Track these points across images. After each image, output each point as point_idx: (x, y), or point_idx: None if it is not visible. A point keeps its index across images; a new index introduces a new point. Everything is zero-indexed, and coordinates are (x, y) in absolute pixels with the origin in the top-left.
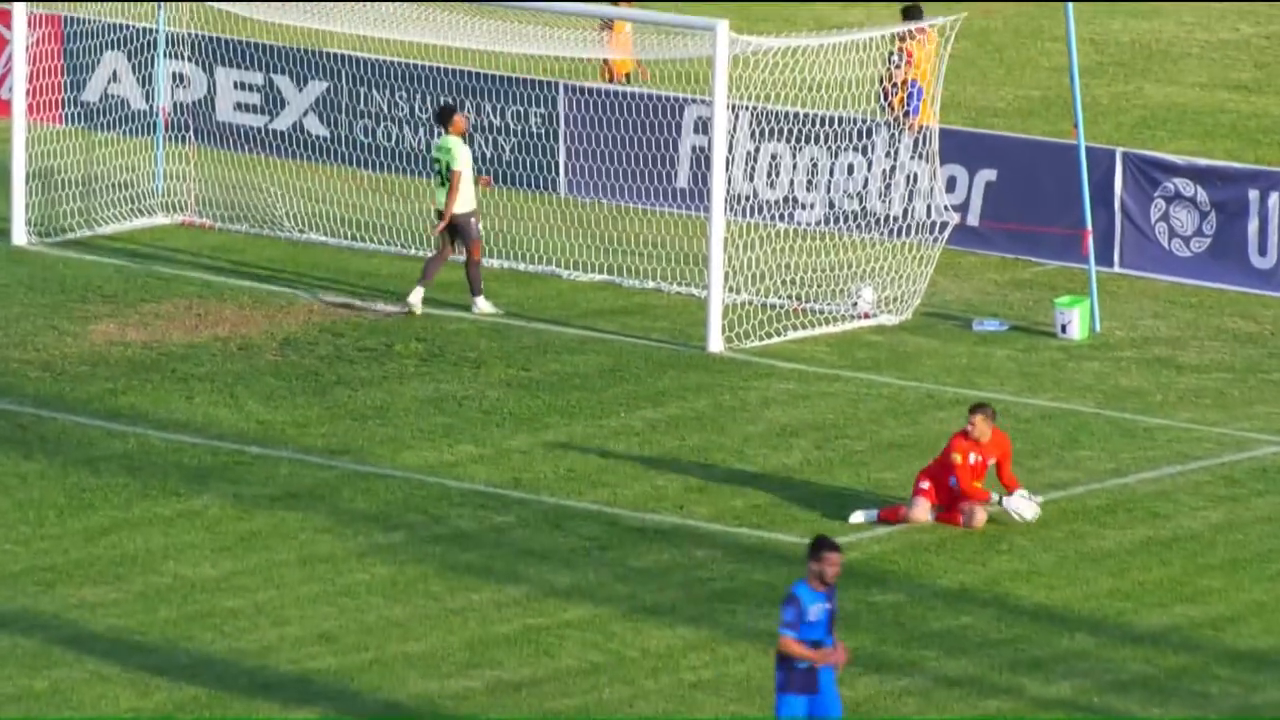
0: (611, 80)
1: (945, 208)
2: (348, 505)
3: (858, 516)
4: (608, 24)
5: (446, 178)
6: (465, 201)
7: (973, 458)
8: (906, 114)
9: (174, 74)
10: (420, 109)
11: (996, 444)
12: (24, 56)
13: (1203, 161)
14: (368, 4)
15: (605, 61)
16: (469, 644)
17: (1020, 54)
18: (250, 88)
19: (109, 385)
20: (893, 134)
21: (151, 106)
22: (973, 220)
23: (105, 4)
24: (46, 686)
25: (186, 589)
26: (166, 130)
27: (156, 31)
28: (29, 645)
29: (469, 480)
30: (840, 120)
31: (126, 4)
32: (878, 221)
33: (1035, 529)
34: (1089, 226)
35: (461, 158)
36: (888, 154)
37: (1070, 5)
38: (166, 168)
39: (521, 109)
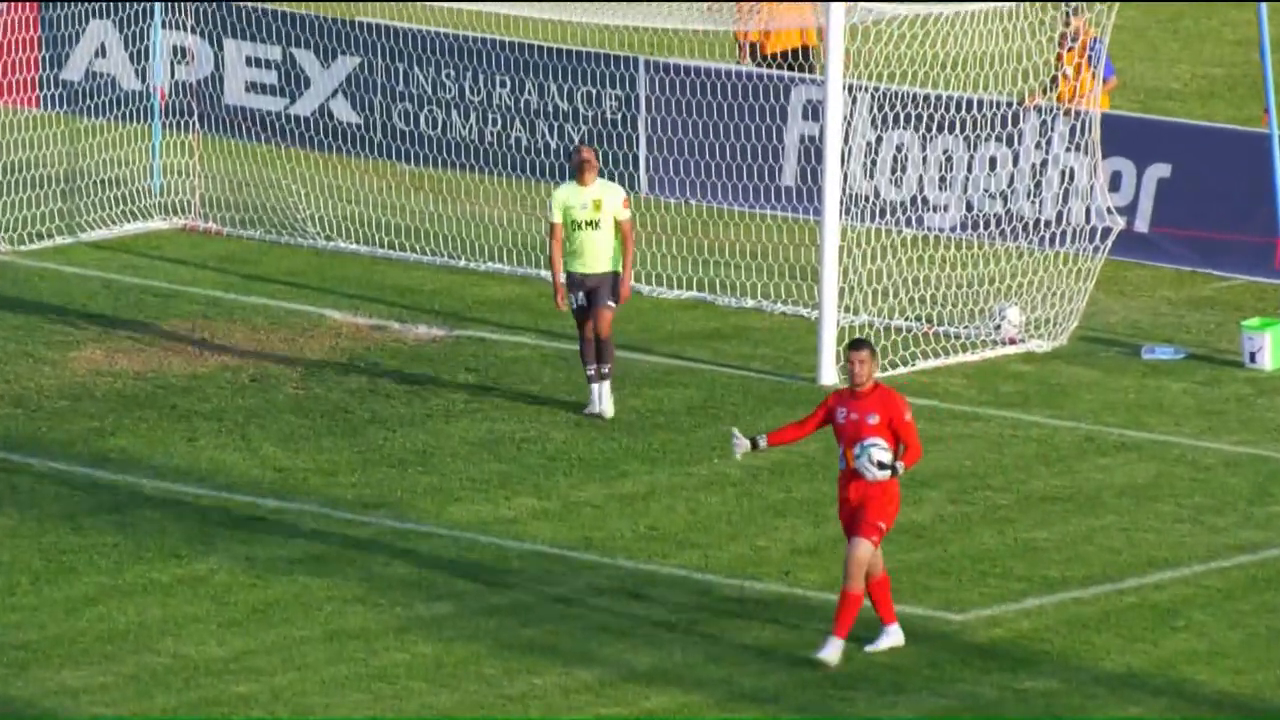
0: (758, 57)
1: (1108, 210)
2: (384, 570)
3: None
4: None
5: (595, 224)
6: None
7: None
8: (1105, 79)
9: (174, 47)
10: (471, 90)
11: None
12: None
13: None
14: None
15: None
16: None
17: (1199, 24)
18: (265, 64)
19: (94, 424)
20: (1045, 120)
21: (147, 87)
22: (1141, 226)
23: None
24: None
25: (189, 671)
26: (164, 116)
27: None
28: None
29: (530, 540)
30: (980, 104)
31: None
32: (1026, 227)
33: (1218, 602)
34: None
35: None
36: (1038, 145)
37: None
38: (165, 161)
39: (593, 90)
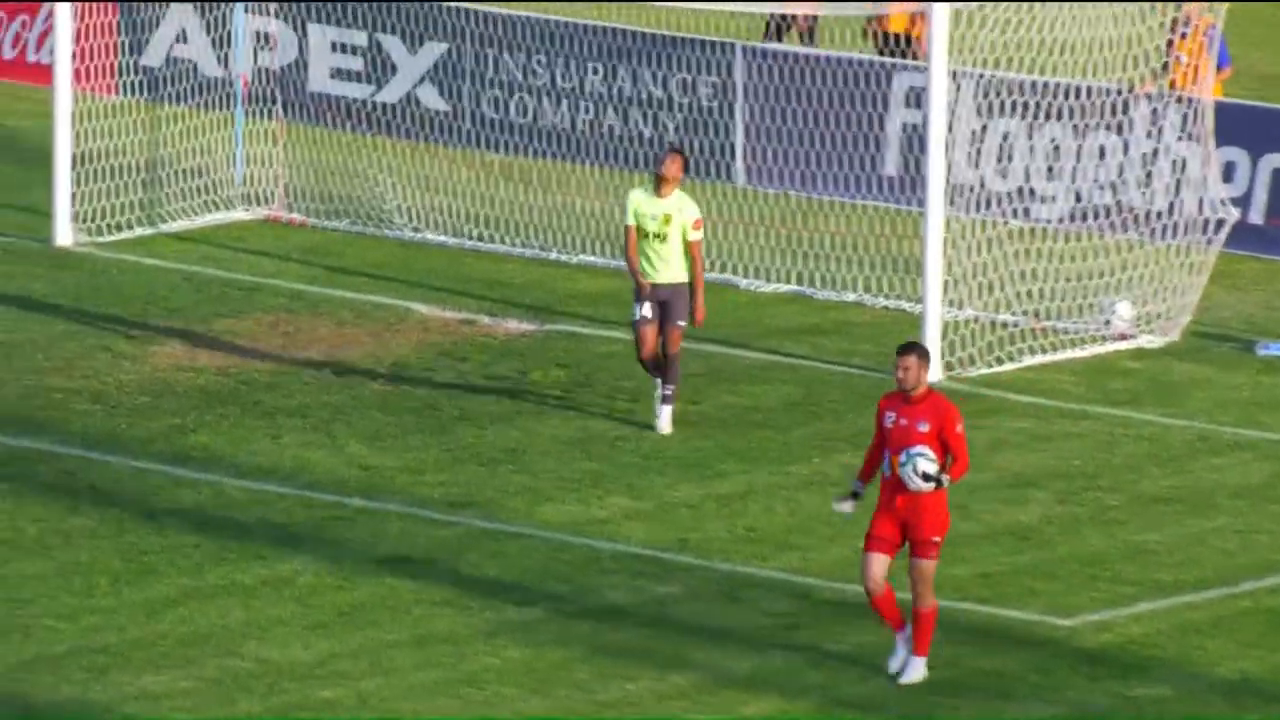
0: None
1: (1221, 202)
2: (473, 572)
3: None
4: None
5: (662, 237)
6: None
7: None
8: (1219, 69)
9: (257, 33)
10: (563, 76)
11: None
12: (69, 11)
13: None
14: None
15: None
16: None
17: None
18: (351, 50)
19: (175, 421)
20: (1156, 109)
21: (229, 74)
22: (1255, 217)
23: None
24: None
25: (273, 676)
26: (247, 103)
27: None
28: None
29: (623, 541)
30: (1089, 91)
31: None
32: (1136, 219)
33: None
34: None
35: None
36: (1149, 134)
37: None
38: (247, 150)
39: (688, 77)
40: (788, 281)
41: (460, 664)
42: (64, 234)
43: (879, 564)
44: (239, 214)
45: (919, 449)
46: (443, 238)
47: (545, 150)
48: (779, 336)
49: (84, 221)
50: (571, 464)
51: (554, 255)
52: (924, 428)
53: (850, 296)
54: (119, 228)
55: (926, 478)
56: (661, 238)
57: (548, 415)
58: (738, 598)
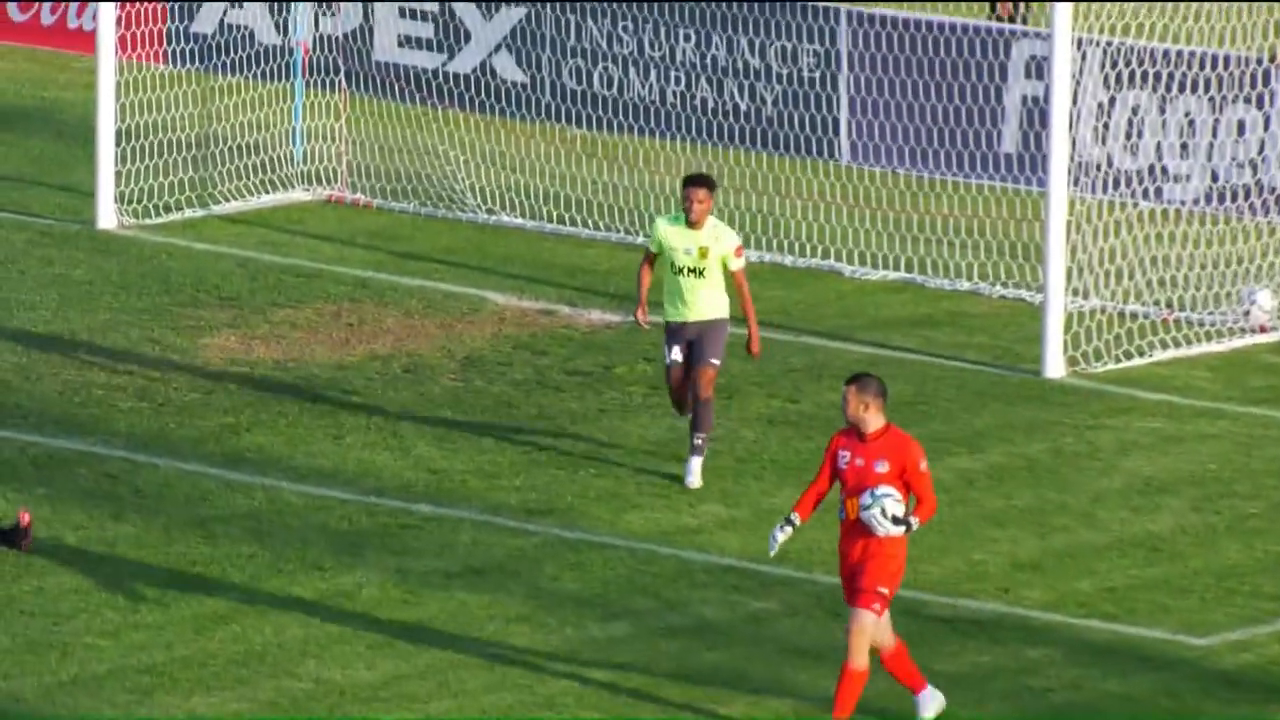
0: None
1: None
2: (551, 585)
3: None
4: None
5: (699, 271)
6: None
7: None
8: None
9: None
10: (651, 44)
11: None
12: None
13: None
14: None
15: None
16: None
17: None
18: (420, 16)
19: (228, 420)
20: None
21: (287, 42)
22: None
23: None
24: None
25: (333, 698)
26: (307, 74)
27: None
28: None
29: (716, 552)
30: (1227, 61)
31: None
32: (1278, 200)
33: None
34: None
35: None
36: None
37: None
38: (307, 125)
39: (788, 45)
40: (896, 268)
41: (537, 687)
42: (107, 216)
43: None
44: (298, 194)
45: (884, 490)
46: (520, 220)
47: (632, 125)
48: (887, 328)
49: (129, 203)
50: (660, 467)
51: (641, 239)
52: (882, 467)
53: (965, 285)
54: (167, 209)
55: (896, 520)
56: (698, 273)
57: (634, 414)
58: (841, 613)
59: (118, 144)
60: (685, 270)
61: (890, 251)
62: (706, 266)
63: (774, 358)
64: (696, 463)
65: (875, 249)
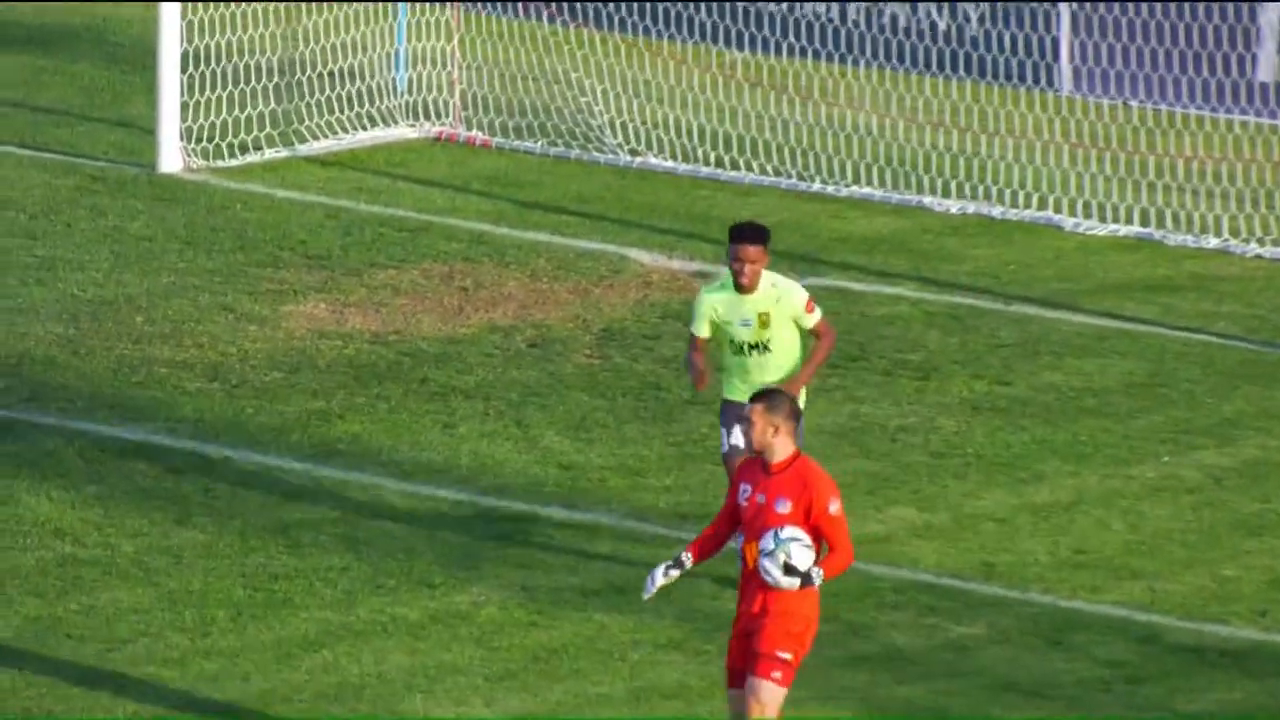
0: None
1: None
2: (708, 605)
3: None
4: None
5: (763, 346)
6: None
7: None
8: None
9: None
10: None
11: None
12: None
13: None
14: None
15: None
16: None
17: None
18: None
19: (318, 404)
20: None
21: None
22: None
23: None
24: None
25: None
26: None
27: None
28: None
29: (909, 566)
30: None
31: None
32: None
33: None
34: None
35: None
36: None
37: None
38: (412, 47)
39: None
40: (1129, 222)
41: None
42: (171, 158)
43: (737, 703)
44: (401, 131)
45: (790, 532)
46: (669, 163)
47: (805, 47)
48: (1117, 295)
49: (197, 141)
50: (840, 463)
51: (816, 186)
52: (784, 507)
53: (1212, 242)
54: (243, 149)
55: (789, 571)
56: (763, 347)
57: (809, 399)
58: (1061, 641)
59: (183, 70)
60: (746, 348)
61: (1121, 201)
62: (771, 337)
63: (980, 331)
64: None
65: (1103, 198)
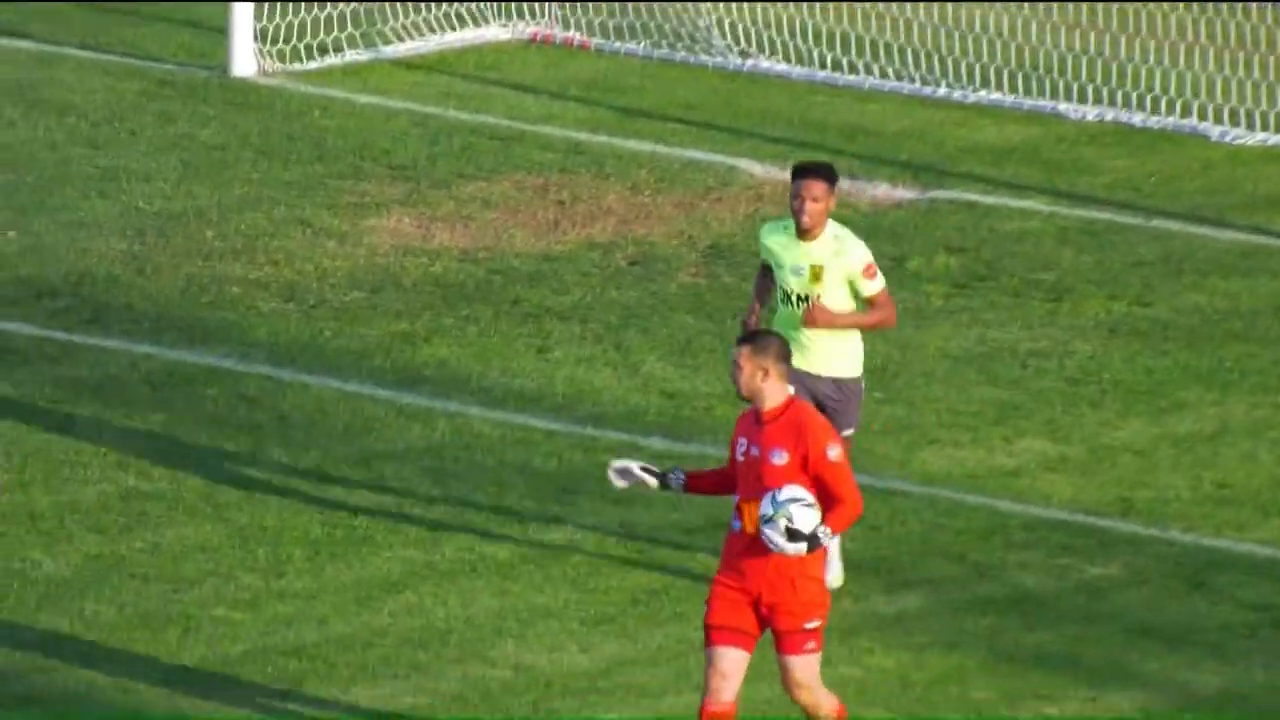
0: None
1: None
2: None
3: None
4: None
5: (808, 300)
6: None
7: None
8: None
9: None
10: None
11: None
12: None
13: None
14: None
15: None
16: None
17: None
18: None
19: (401, 327)
20: None
21: None
22: None
23: None
24: None
25: (538, 690)
26: None
27: None
28: None
29: (1040, 502)
30: None
31: None
32: None
33: None
34: None
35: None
36: None
37: None
38: None
39: None
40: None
41: None
42: (244, 60)
43: (731, 664)
44: (493, 31)
45: (789, 493)
46: (782, 66)
47: None
48: (1267, 209)
49: (272, 43)
50: (965, 391)
51: (942, 91)
52: (779, 459)
53: None
54: (322, 51)
55: (794, 536)
56: (810, 302)
57: (931, 321)
58: (1204, 583)
59: None
60: (795, 299)
61: (1271, 109)
62: (821, 294)
63: (1118, 248)
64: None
65: (1252, 105)
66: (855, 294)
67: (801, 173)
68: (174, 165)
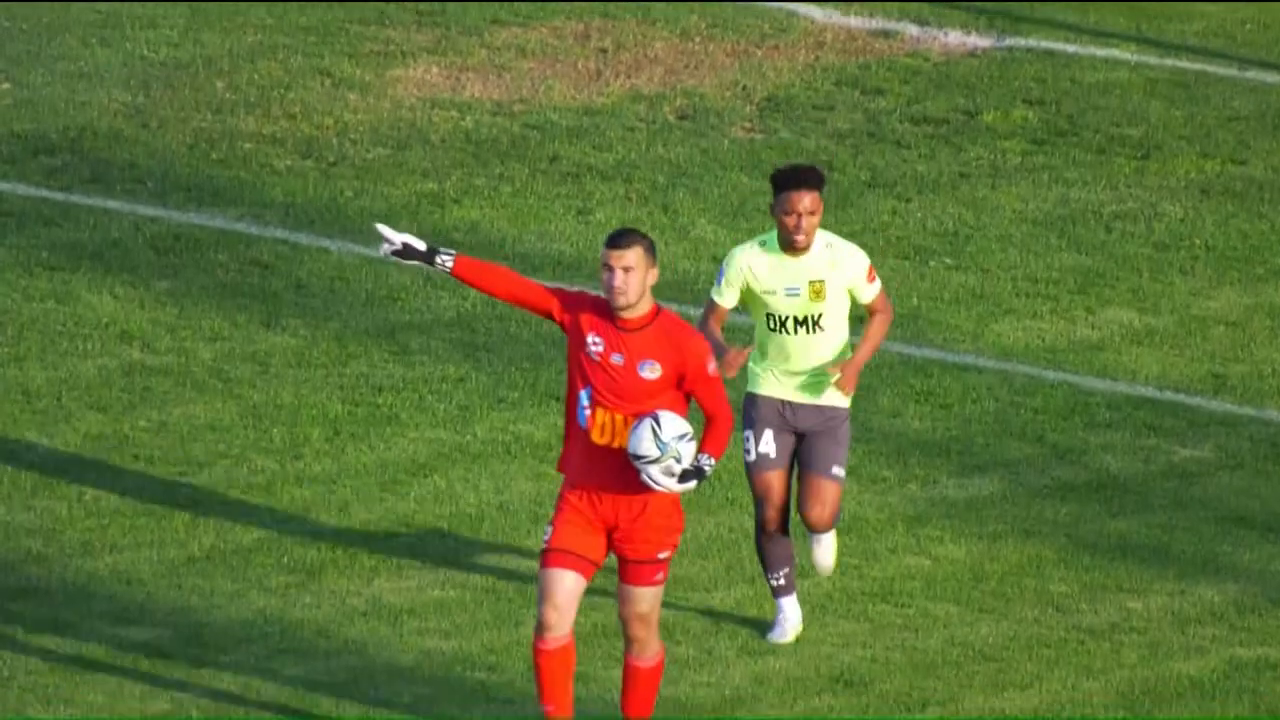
0: None
1: None
2: (889, 424)
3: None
4: None
5: (813, 322)
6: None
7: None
8: None
9: None
10: None
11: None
12: None
13: None
14: None
15: None
16: None
17: None
18: None
19: (429, 186)
20: None
21: None
22: None
23: None
24: None
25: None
26: None
27: None
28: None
29: (1125, 378)
30: None
31: None
32: None
33: None
34: None
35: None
36: None
37: None
38: None
39: None
40: None
41: (865, 568)
42: None
43: (566, 595)
44: None
45: (670, 428)
46: None
47: None
48: None
49: None
50: (1045, 256)
51: None
52: (650, 372)
53: None
54: None
55: (685, 476)
56: (812, 324)
57: (1009, 180)
58: None
59: None
60: (791, 324)
61: None
62: (824, 311)
63: (1210, 101)
64: (788, 606)
65: None
66: (853, 302)
67: (786, 183)
68: (180, 10)
